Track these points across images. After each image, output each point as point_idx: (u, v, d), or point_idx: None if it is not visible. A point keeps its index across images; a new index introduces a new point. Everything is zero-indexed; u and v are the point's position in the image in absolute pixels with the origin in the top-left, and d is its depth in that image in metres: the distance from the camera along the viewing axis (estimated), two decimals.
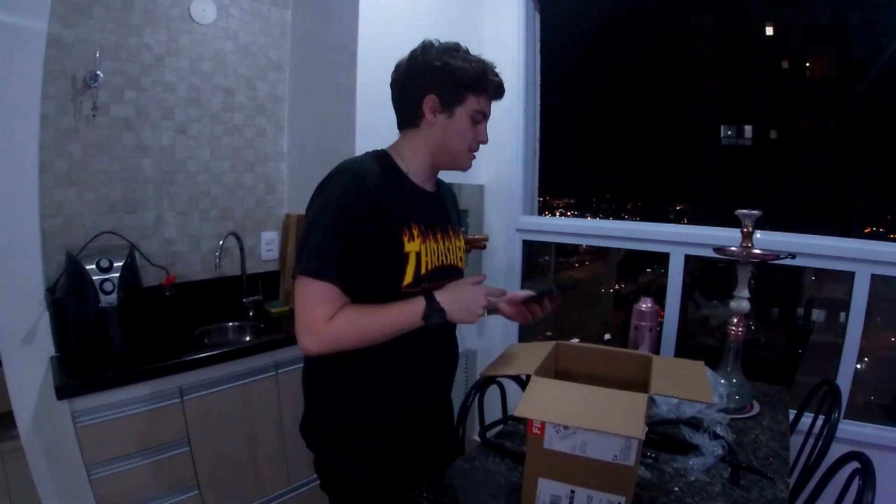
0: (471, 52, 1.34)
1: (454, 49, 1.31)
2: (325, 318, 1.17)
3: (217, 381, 2.01)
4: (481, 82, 1.30)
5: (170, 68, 2.34)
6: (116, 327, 1.91)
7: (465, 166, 1.39)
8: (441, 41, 1.33)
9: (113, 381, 1.76)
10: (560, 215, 3.40)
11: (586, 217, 3.40)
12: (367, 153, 1.36)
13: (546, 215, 3.19)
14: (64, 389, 1.66)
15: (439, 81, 1.29)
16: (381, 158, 1.34)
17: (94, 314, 1.88)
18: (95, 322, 1.88)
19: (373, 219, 1.20)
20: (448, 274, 1.37)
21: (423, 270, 1.28)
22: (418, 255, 1.27)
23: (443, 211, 1.43)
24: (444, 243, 1.37)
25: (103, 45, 2.13)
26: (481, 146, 1.39)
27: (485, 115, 1.35)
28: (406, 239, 1.25)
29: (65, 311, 1.93)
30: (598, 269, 3.78)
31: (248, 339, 2.36)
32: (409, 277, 1.25)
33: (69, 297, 1.92)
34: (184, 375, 1.92)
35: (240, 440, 2.12)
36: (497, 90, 1.34)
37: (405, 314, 1.22)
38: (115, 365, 1.83)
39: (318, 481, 1.45)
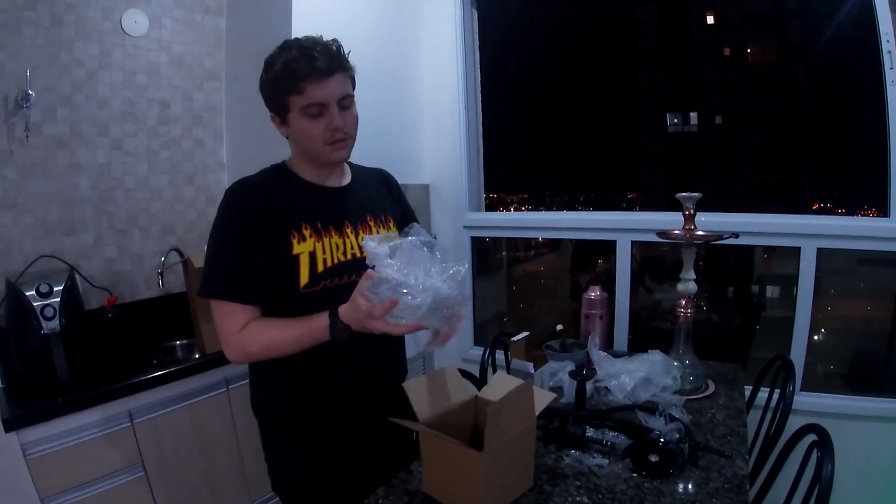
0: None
1: (268, 61, 1.27)
2: (233, 330, 1.23)
3: (167, 402, 1.97)
4: (288, 81, 1.21)
5: (103, 83, 2.28)
6: (60, 354, 1.86)
7: (333, 160, 1.32)
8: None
9: (60, 410, 1.72)
10: (515, 211, 3.42)
11: (540, 210, 3.42)
12: (266, 167, 1.39)
13: (501, 210, 3.20)
14: (11, 421, 1.63)
15: (266, 101, 1.30)
16: (275, 169, 1.38)
17: (38, 342, 1.84)
18: (39, 350, 1.85)
19: (255, 229, 1.24)
20: (362, 266, 1.35)
21: (319, 269, 1.29)
22: (312, 254, 1.28)
23: (355, 203, 1.42)
24: (354, 237, 1.36)
25: (34, 62, 2.07)
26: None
27: (319, 105, 1.24)
28: (295, 241, 1.27)
29: (7, 339, 1.88)
30: (554, 261, 3.80)
31: (196, 356, 2.29)
32: (304, 278, 1.27)
33: (11, 325, 1.88)
34: (132, 398, 1.87)
35: (196, 460, 2.07)
36: (312, 72, 1.20)
37: (309, 329, 1.22)
38: (62, 392, 1.79)
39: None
